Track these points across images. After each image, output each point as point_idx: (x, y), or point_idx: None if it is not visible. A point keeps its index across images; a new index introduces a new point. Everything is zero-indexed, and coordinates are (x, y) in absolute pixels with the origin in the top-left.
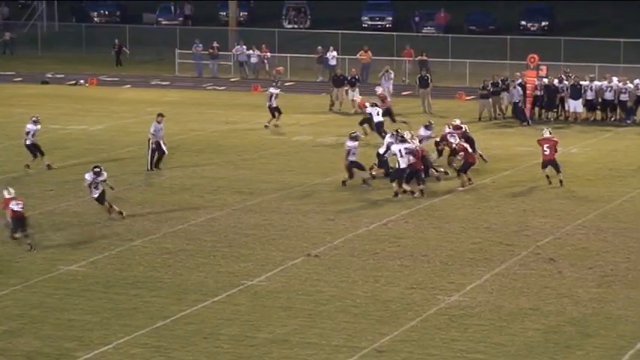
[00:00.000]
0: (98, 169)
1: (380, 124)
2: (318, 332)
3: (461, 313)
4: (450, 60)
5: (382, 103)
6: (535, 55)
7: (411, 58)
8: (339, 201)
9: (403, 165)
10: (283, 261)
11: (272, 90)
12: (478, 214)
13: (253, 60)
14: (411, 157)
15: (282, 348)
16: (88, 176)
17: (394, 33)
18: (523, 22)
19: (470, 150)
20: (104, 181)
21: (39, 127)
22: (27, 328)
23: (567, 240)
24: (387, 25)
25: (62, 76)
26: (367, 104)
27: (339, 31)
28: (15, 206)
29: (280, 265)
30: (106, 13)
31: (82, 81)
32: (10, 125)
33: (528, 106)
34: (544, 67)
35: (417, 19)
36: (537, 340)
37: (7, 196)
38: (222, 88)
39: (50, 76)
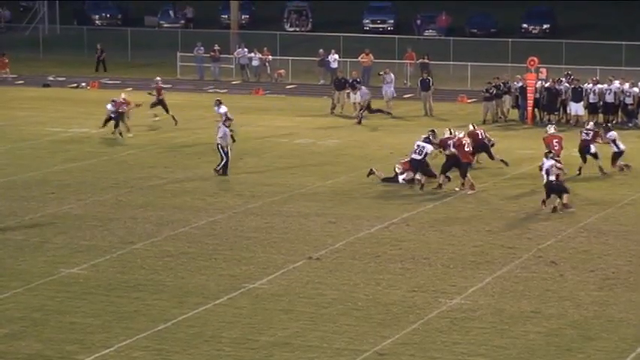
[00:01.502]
0: None
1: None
2: (320, 335)
3: (462, 316)
4: (451, 63)
5: (158, 94)
6: (535, 58)
7: (413, 61)
8: (341, 204)
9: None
10: (285, 264)
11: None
12: (480, 217)
13: (255, 63)
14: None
15: (283, 351)
16: None
17: (396, 36)
18: (524, 25)
19: (466, 149)
20: None
21: None
22: (28, 330)
23: (569, 243)
24: (389, 28)
25: (63, 79)
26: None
27: (341, 34)
28: None
29: (282, 268)
30: (108, 15)
31: (83, 84)
32: (12, 128)
33: (529, 109)
34: (544, 70)
35: (418, 22)
36: (539, 343)
37: None
38: (224, 90)
39: (52, 79)
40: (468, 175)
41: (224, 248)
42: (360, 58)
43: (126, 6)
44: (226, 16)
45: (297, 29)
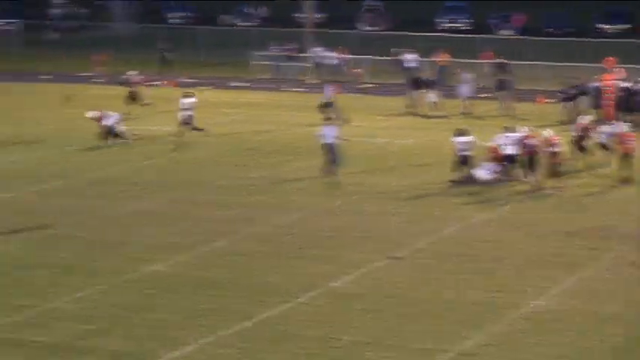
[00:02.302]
0: None
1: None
2: (402, 335)
3: (545, 317)
4: (527, 62)
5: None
6: (611, 58)
7: (491, 61)
8: (420, 204)
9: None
10: (366, 263)
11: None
12: (561, 217)
13: (331, 62)
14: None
15: (366, 350)
16: None
17: (471, 35)
18: (601, 25)
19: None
20: None
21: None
22: (114, 327)
23: None
24: (464, 28)
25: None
26: None
27: (417, 33)
28: None
29: (363, 267)
30: (182, 15)
31: (158, 82)
32: (89, 126)
33: (609, 109)
34: (621, 70)
35: (493, 21)
36: (622, 347)
37: None
38: (301, 89)
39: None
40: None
41: (305, 247)
42: (436, 58)
43: (200, 5)
44: (302, 15)
45: (373, 28)
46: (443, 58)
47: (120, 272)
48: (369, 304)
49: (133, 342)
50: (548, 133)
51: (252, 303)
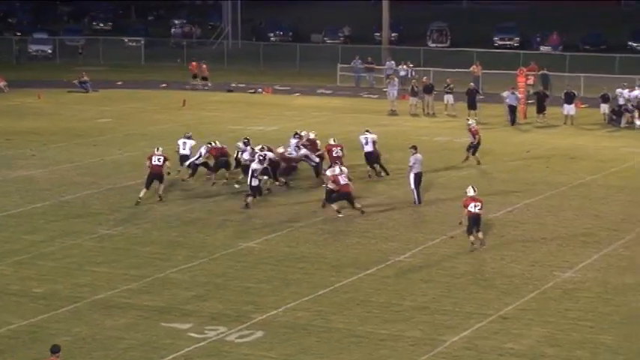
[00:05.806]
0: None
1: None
2: (453, 301)
3: (573, 287)
4: (566, 74)
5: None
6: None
7: (534, 72)
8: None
9: None
10: (424, 241)
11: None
12: (589, 204)
13: (402, 73)
14: None
15: (422, 314)
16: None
17: (519, 51)
18: (630, 43)
19: None
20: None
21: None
22: (212, 293)
23: None
24: (514, 45)
25: (244, 85)
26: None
27: (474, 49)
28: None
29: (422, 244)
30: (281, 33)
31: (259, 90)
32: (202, 127)
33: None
34: None
35: (538, 39)
36: None
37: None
38: (376, 96)
39: (234, 85)
40: None
41: (373, 227)
42: (470, 69)
43: (296, 25)
44: (379, 34)
45: (438, 45)
46: (476, 69)
47: (220, 247)
48: (426, 275)
49: (228, 306)
50: None
51: (330, 274)
